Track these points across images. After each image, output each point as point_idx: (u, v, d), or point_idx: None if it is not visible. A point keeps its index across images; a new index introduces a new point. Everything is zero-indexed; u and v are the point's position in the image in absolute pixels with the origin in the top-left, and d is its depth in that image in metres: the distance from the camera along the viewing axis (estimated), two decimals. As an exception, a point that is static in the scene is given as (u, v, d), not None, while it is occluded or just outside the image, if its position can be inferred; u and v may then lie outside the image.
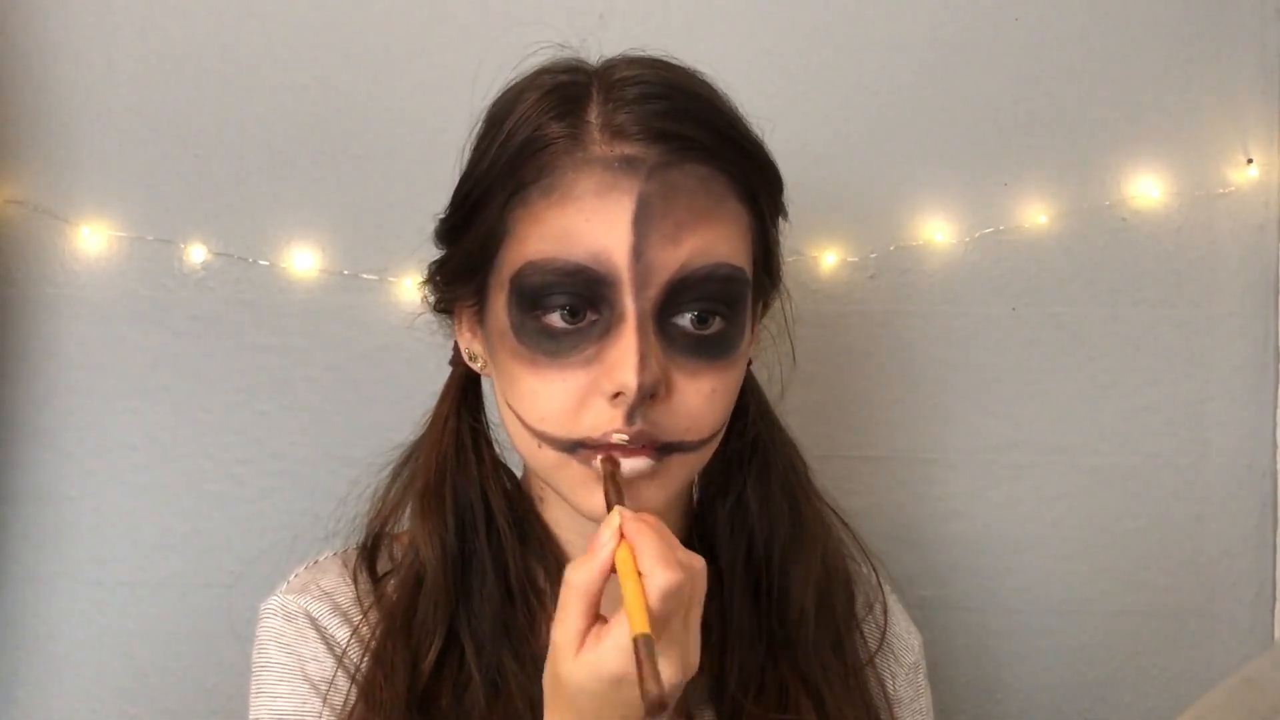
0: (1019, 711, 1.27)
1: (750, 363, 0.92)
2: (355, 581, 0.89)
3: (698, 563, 0.72)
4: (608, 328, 0.77)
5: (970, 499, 1.26)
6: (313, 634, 0.86)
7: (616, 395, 0.76)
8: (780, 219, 0.89)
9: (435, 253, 0.89)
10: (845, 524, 0.96)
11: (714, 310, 0.79)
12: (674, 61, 0.84)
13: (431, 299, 0.90)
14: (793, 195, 0.89)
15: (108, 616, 1.24)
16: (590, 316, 0.78)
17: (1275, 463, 1.25)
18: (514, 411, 0.82)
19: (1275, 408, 1.25)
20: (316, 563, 0.92)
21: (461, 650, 0.85)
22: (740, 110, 0.85)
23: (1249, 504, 1.26)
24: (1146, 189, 1.25)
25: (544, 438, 0.80)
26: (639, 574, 0.69)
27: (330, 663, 0.85)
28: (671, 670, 0.69)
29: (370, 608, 0.87)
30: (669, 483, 0.81)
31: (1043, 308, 1.26)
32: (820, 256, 1.25)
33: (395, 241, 1.21)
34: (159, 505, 1.24)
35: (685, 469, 0.82)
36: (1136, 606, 1.26)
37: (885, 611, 0.96)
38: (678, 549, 0.72)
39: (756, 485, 0.91)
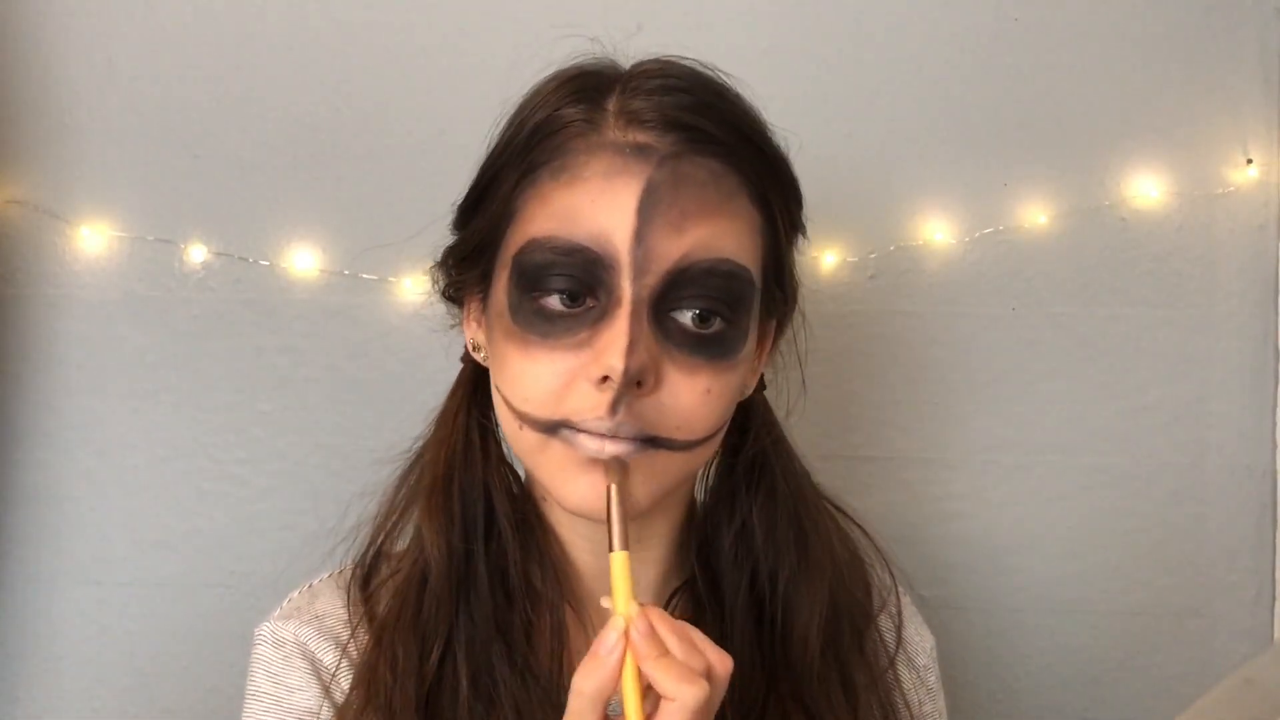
0: (1019, 711, 1.27)
1: (764, 386, 0.91)
2: (350, 602, 0.88)
3: (726, 665, 0.71)
4: (603, 313, 0.77)
5: (970, 499, 1.26)
6: (300, 662, 0.85)
7: (603, 380, 0.75)
8: (799, 236, 0.87)
9: (436, 250, 0.89)
10: (862, 529, 0.95)
11: (715, 310, 0.78)
12: (705, 67, 0.83)
13: (441, 284, 0.89)
14: (793, 195, 0.89)
15: (108, 616, 1.24)
16: (589, 302, 0.77)
17: (1275, 463, 1.25)
18: (501, 394, 0.81)
19: (1275, 408, 1.25)
20: (311, 586, 0.91)
21: (456, 653, 0.83)
22: (765, 120, 0.83)
23: (1249, 504, 1.26)
24: (1146, 189, 1.25)
25: (525, 419, 0.79)
26: (643, 689, 0.69)
27: (316, 691, 0.84)
28: None
29: (359, 624, 0.86)
30: (657, 476, 0.79)
31: (1043, 308, 1.26)
32: (820, 256, 1.25)
33: (395, 241, 1.21)
34: (159, 505, 1.24)
35: (675, 467, 0.80)
36: (1136, 606, 1.26)
37: (899, 614, 0.95)
38: (706, 649, 0.71)
39: (762, 511, 0.89)
